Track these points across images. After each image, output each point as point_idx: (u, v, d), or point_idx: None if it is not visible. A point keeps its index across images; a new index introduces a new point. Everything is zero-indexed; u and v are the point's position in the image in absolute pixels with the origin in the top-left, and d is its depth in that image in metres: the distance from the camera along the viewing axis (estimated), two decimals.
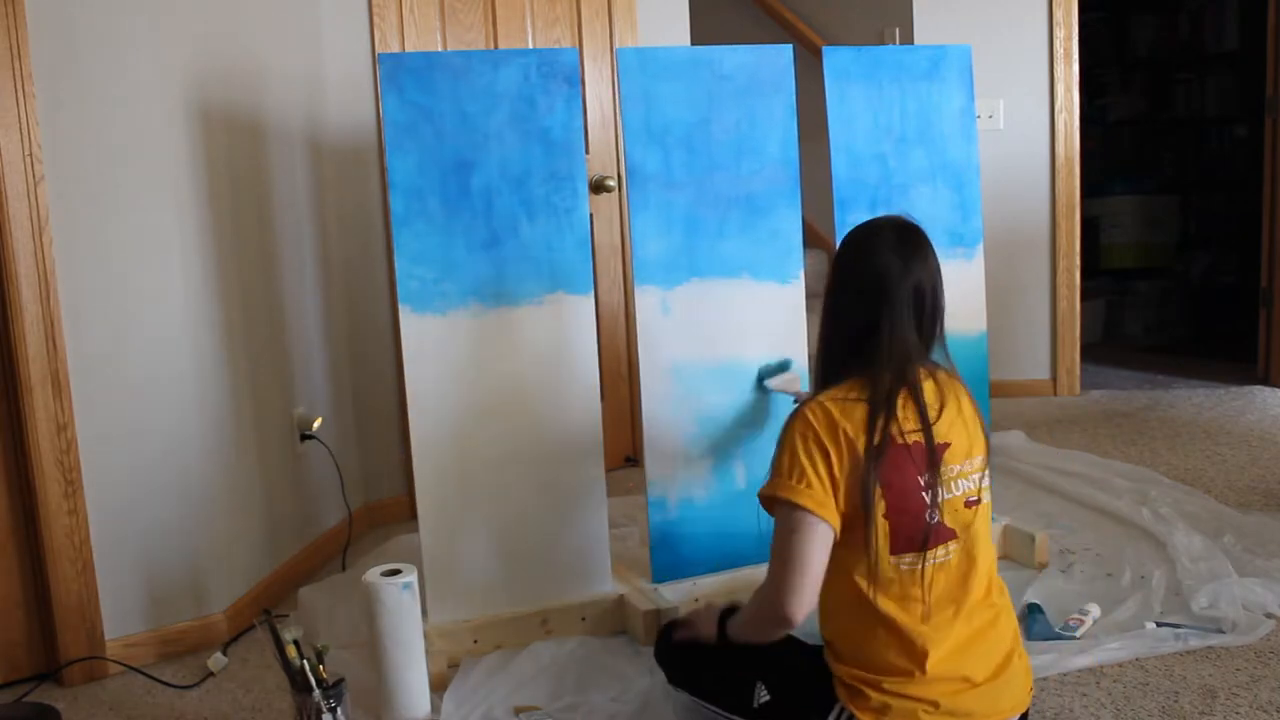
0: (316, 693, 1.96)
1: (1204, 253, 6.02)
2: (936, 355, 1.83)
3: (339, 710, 1.97)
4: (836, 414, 1.73)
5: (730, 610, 1.95)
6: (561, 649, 2.33)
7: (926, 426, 1.74)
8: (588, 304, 2.41)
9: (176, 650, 2.48)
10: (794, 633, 1.83)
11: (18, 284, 2.22)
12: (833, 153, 2.58)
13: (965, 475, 1.78)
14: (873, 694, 1.71)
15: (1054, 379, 4.48)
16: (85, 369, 2.32)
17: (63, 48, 2.24)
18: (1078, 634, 2.29)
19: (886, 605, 1.73)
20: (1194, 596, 2.40)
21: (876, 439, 1.71)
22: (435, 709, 2.11)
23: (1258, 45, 4.68)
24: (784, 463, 1.74)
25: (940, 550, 1.75)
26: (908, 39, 4.43)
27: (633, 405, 3.68)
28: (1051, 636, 2.29)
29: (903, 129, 2.64)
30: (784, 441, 1.77)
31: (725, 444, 2.54)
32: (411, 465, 2.33)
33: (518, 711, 2.10)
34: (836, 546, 1.73)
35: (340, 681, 2.00)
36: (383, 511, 3.33)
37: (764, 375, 2.54)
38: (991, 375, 2.94)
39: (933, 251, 1.80)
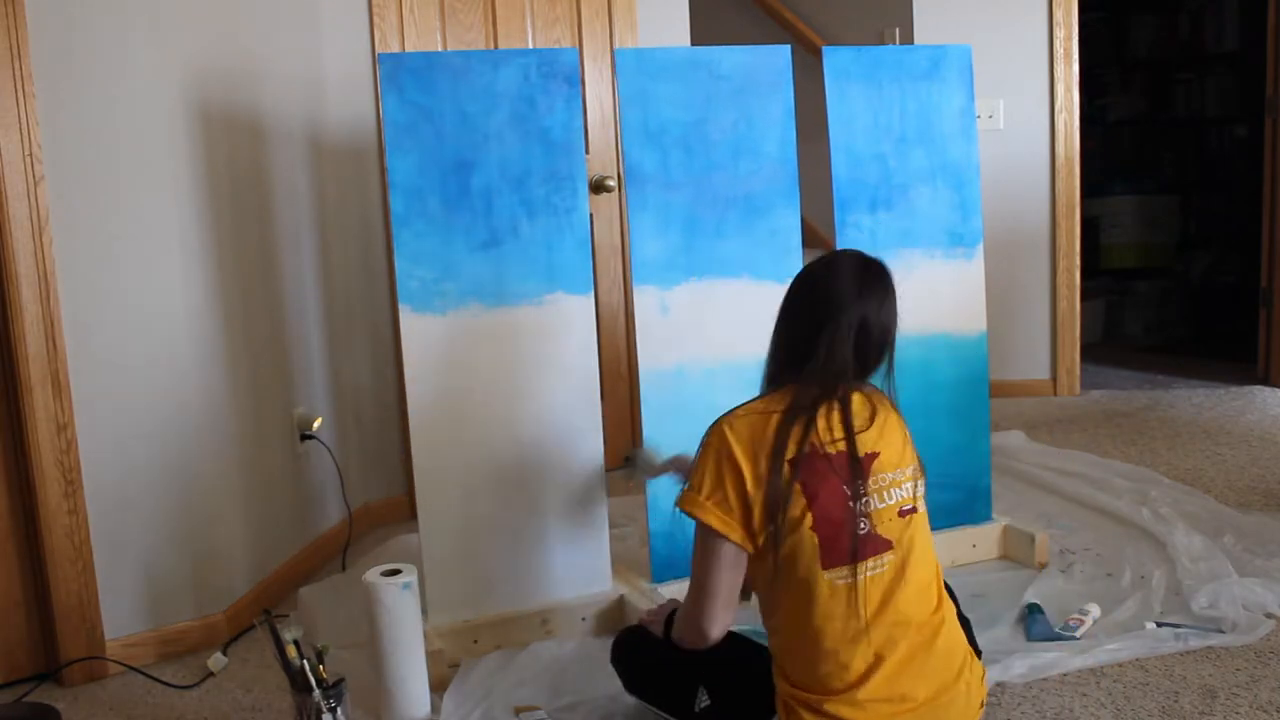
0: (316, 693, 1.96)
1: (1204, 253, 6.02)
2: (876, 382, 1.80)
3: (339, 710, 1.97)
4: (755, 427, 1.71)
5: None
6: (561, 649, 2.34)
7: (850, 434, 1.71)
8: (587, 304, 2.41)
9: (176, 650, 2.48)
10: (746, 630, 1.87)
11: (18, 284, 2.22)
12: (833, 153, 2.58)
13: (897, 484, 1.73)
14: (807, 715, 1.67)
15: (1054, 379, 4.48)
16: (85, 369, 2.32)
17: (63, 48, 2.24)
18: (1078, 634, 2.29)
19: (821, 622, 1.68)
20: (1194, 596, 2.40)
21: (794, 449, 1.68)
22: (435, 709, 2.11)
23: (1258, 45, 4.68)
24: (696, 477, 1.73)
25: (873, 562, 1.69)
26: (908, 39, 4.43)
27: (633, 405, 3.68)
28: (1051, 637, 2.29)
29: (903, 129, 2.64)
30: (699, 455, 1.75)
31: None
32: (411, 465, 2.33)
33: (518, 711, 2.10)
34: (756, 562, 1.70)
35: (340, 681, 2.00)
36: (383, 511, 3.33)
37: (632, 461, 2.50)
38: (991, 375, 2.94)
39: (892, 295, 1.78)
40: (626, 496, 3.29)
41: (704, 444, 1.75)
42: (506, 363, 2.36)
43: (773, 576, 1.70)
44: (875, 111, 2.62)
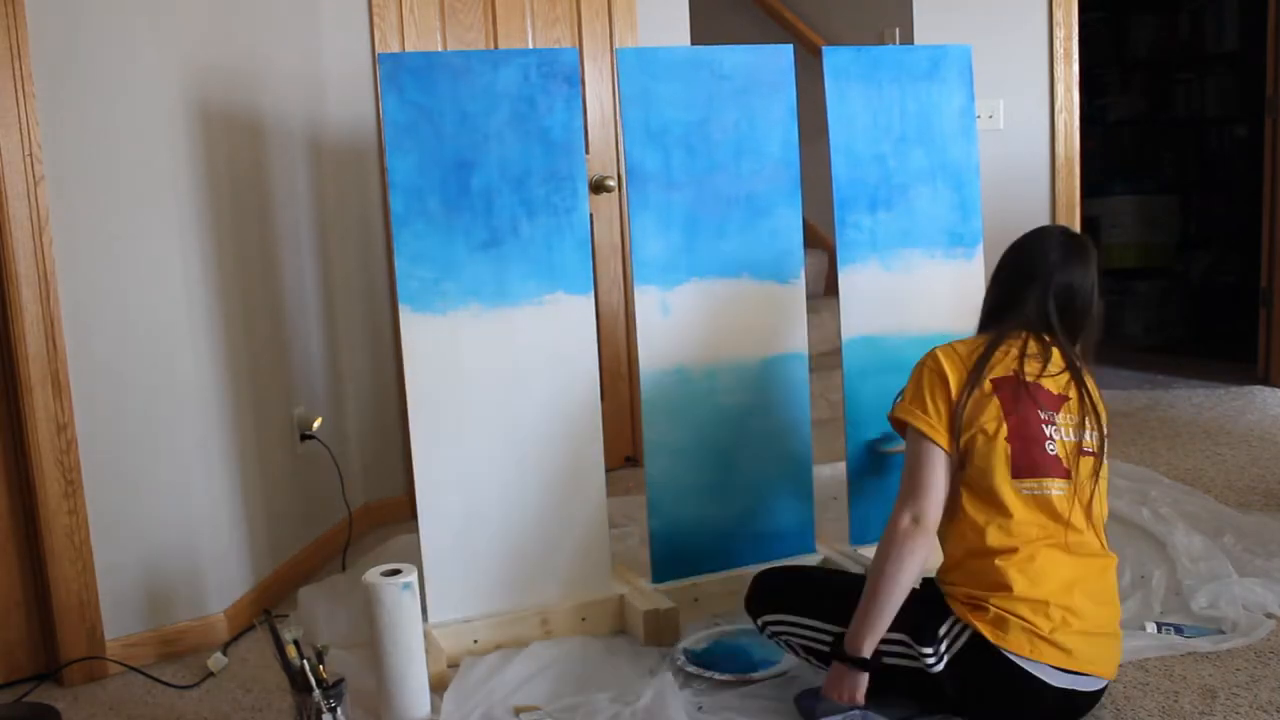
0: (316, 693, 1.96)
1: (1204, 253, 6.02)
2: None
3: (339, 710, 1.97)
4: (963, 352, 1.97)
5: (771, 587, 2.09)
6: (561, 649, 2.33)
7: (1054, 375, 1.93)
8: (587, 304, 2.41)
9: (176, 650, 2.48)
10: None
11: (18, 284, 2.22)
12: (833, 153, 2.58)
13: (1084, 428, 1.93)
14: (990, 607, 1.84)
15: None
16: (85, 369, 2.32)
17: (63, 48, 2.24)
18: None
19: (1006, 528, 1.86)
20: (1194, 596, 2.40)
21: (999, 371, 1.92)
22: (435, 709, 2.11)
23: (1258, 45, 4.67)
24: (908, 390, 1.98)
25: (1059, 482, 1.87)
26: (908, 39, 4.43)
27: (633, 405, 3.68)
28: None
29: (903, 129, 2.64)
30: (913, 373, 2.00)
31: (724, 444, 2.54)
32: (411, 465, 2.33)
33: (518, 711, 2.10)
34: (958, 472, 1.91)
35: (340, 681, 2.00)
36: (383, 511, 3.33)
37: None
38: None
39: (1094, 266, 2.02)
40: (626, 496, 3.29)
41: (918, 365, 2.01)
42: (506, 363, 2.36)
43: (963, 482, 1.91)
44: (875, 111, 2.61)
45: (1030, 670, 1.82)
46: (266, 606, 2.59)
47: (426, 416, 2.32)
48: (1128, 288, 5.78)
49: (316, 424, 2.96)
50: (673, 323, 2.48)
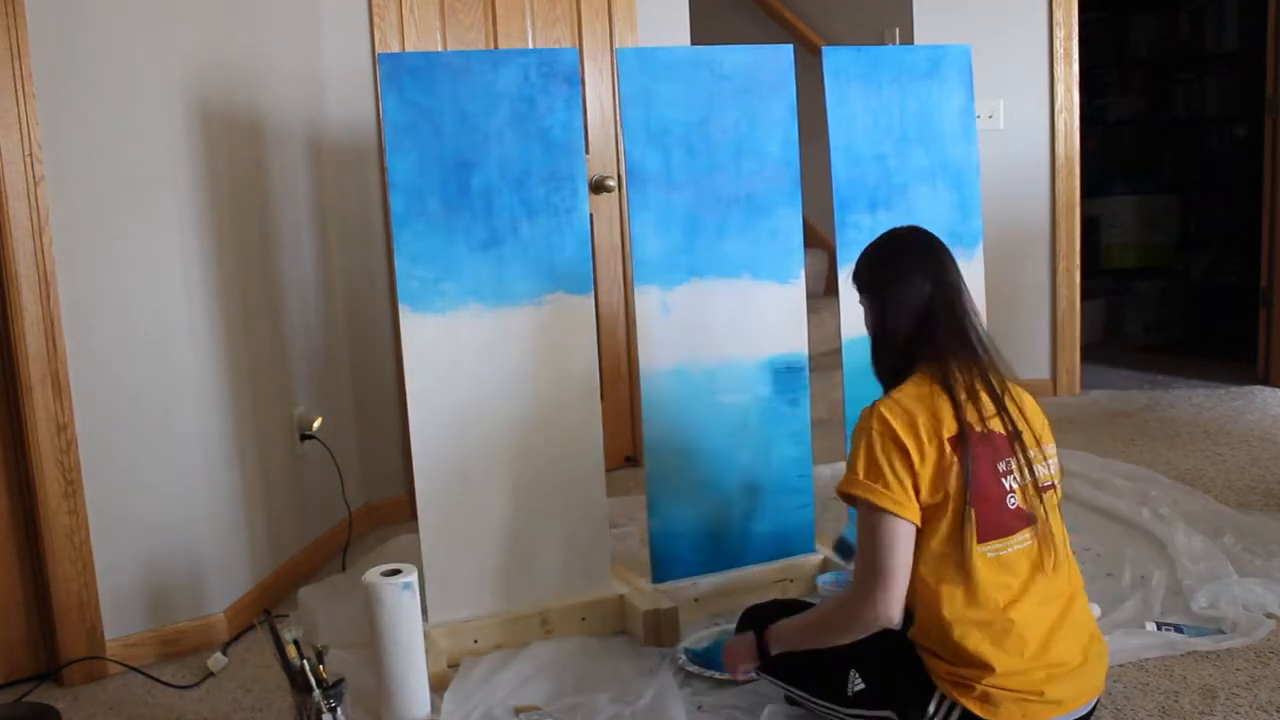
0: (316, 693, 1.96)
1: (1204, 253, 6.02)
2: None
3: (339, 710, 1.97)
4: (910, 408, 1.75)
5: (759, 619, 1.96)
6: (561, 649, 2.33)
7: (1003, 411, 1.77)
8: (587, 304, 2.41)
9: (176, 650, 2.48)
10: None
11: (18, 284, 2.22)
12: (833, 153, 2.58)
13: (1038, 461, 1.80)
14: (975, 685, 1.71)
15: (1054, 379, 4.48)
16: (85, 369, 2.32)
17: (63, 48, 2.24)
18: None
19: (976, 595, 1.71)
20: (1194, 596, 2.40)
21: (953, 427, 1.72)
22: (435, 709, 2.11)
23: (1258, 45, 4.67)
24: (859, 462, 1.75)
25: (1020, 535, 1.75)
26: (908, 39, 4.43)
27: (633, 405, 3.68)
28: None
29: (902, 129, 2.64)
30: (859, 439, 1.77)
31: (724, 444, 2.54)
32: (411, 465, 2.33)
33: (518, 711, 2.10)
34: (919, 541, 1.73)
35: (340, 681, 2.00)
36: (383, 511, 3.33)
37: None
38: None
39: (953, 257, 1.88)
40: (626, 496, 3.29)
41: (861, 429, 1.77)
42: (506, 363, 2.36)
43: (929, 553, 1.73)
44: (875, 111, 2.61)
45: None
46: (266, 606, 2.59)
47: (426, 416, 2.32)
48: (1128, 288, 5.78)
49: (316, 424, 2.96)
50: (673, 323, 2.48)
